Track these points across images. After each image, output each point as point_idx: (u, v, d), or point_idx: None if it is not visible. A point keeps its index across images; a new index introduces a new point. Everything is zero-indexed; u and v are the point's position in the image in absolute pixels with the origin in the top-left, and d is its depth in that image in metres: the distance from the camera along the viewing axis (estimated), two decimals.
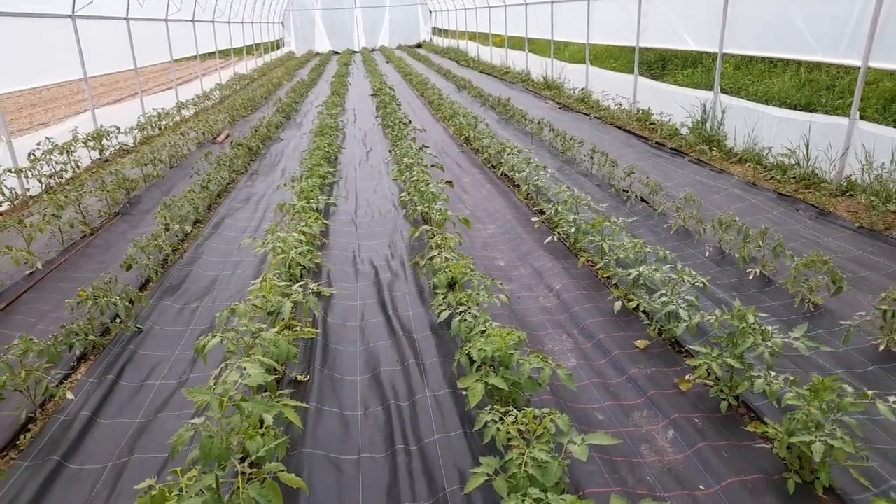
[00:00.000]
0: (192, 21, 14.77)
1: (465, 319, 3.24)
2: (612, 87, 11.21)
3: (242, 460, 2.01)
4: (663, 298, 3.52)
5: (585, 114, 11.23)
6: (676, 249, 4.97)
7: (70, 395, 3.07)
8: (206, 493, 1.94)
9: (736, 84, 10.46)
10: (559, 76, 14.19)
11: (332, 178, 7.42)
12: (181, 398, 3.29)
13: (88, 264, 5.18)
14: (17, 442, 2.94)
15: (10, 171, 6.82)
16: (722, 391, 3.01)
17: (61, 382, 3.33)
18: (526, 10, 16.17)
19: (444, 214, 5.01)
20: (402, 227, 5.90)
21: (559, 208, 5.34)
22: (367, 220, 6.26)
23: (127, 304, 3.85)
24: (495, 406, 2.55)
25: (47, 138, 7.62)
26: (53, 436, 2.97)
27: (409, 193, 6.00)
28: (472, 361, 2.94)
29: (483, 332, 3.06)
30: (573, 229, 4.92)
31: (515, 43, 18.58)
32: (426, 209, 5.28)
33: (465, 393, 3.00)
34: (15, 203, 6.78)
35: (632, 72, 10.48)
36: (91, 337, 3.62)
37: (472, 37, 24.71)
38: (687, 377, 3.22)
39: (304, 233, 4.37)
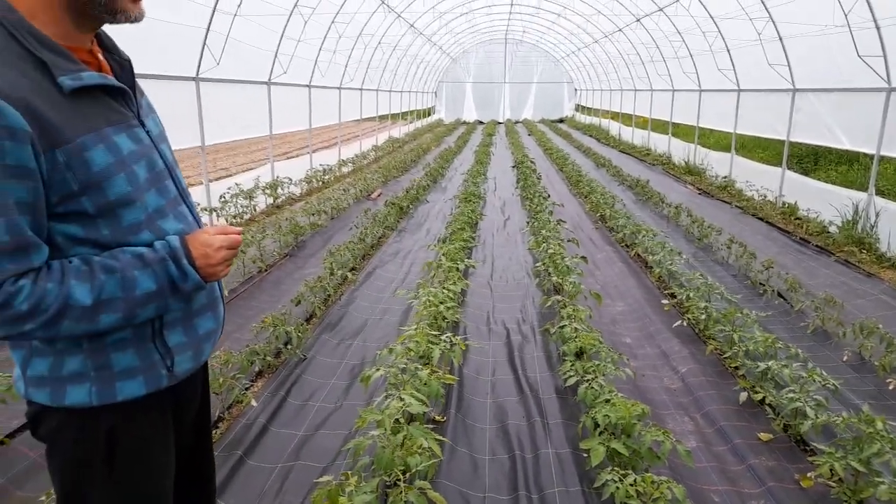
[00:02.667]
0: (361, 90, 16.51)
1: (592, 387, 3.54)
2: (757, 178, 11.08)
3: (401, 474, 2.44)
4: (791, 395, 3.60)
5: (726, 202, 11.15)
6: (811, 350, 4.93)
7: (254, 403, 3.71)
8: (369, 494, 2.40)
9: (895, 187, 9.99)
10: (702, 162, 14.16)
11: (472, 243, 8.01)
12: (336, 419, 3.83)
13: (262, 296, 6.04)
14: None
15: (205, 209, 8.08)
16: (845, 493, 3.05)
17: (244, 392, 3.99)
18: (673, 95, 16.40)
19: (577, 287, 5.35)
20: (533, 294, 6.29)
21: (690, 294, 5.49)
22: (501, 284, 6.72)
23: (298, 334, 4.53)
24: (615, 468, 2.82)
25: (236, 184, 8.93)
26: (237, 435, 3.60)
27: (543, 264, 6.40)
28: (595, 426, 3.23)
29: (608, 400, 3.34)
30: (703, 316, 5.06)
31: (658, 125, 18.76)
32: (560, 281, 5.64)
33: (585, 455, 3.27)
34: None
35: (780, 164, 10.34)
36: (268, 358, 4.31)
37: (615, 116, 25.16)
38: (809, 474, 3.27)
39: (449, 290, 4.89)
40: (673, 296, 6.08)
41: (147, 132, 1.46)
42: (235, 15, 8.19)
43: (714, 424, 3.87)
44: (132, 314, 1.33)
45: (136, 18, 1.36)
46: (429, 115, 33.91)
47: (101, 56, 1.42)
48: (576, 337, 4.26)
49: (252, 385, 4.18)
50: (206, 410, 1.82)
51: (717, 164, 13.24)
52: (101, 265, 1.29)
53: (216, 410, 3.73)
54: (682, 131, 17.19)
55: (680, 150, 15.86)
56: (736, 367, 4.52)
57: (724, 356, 4.71)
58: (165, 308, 1.40)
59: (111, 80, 1.34)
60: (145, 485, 1.52)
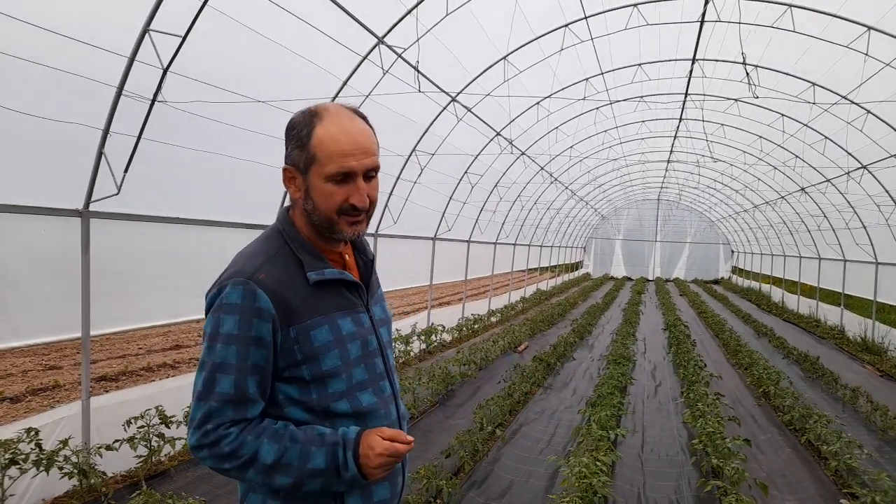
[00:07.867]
0: (514, 244, 17.36)
1: None
2: None
3: None
4: None
5: None
6: None
7: None
8: None
9: None
10: (882, 339, 12.88)
11: (623, 410, 7.81)
12: None
13: (414, 443, 6.28)
14: None
15: None
16: None
17: None
18: (844, 266, 15.42)
19: (740, 474, 5.02)
20: (689, 473, 5.93)
21: (877, 499, 4.91)
22: (653, 458, 6.42)
23: (449, 489, 4.66)
24: None
25: (396, 329, 9.59)
26: None
27: (701, 442, 6.08)
28: None
29: None
30: None
31: (827, 295, 17.52)
32: (720, 464, 5.33)
33: None
34: None
35: None
36: None
37: (777, 281, 23.87)
38: None
39: (602, 461, 4.82)
40: (854, 496, 5.45)
41: (370, 317, 1.76)
42: (415, 182, 9.31)
43: None
44: (301, 482, 1.57)
45: (350, 237, 1.72)
46: (576, 268, 34.30)
47: (347, 256, 1.81)
48: None
49: None
50: None
51: None
52: (291, 434, 1.59)
53: None
54: (855, 303, 15.87)
55: (854, 325, 14.57)
56: None
57: None
58: (330, 486, 1.62)
59: (348, 275, 1.72)
60: None
